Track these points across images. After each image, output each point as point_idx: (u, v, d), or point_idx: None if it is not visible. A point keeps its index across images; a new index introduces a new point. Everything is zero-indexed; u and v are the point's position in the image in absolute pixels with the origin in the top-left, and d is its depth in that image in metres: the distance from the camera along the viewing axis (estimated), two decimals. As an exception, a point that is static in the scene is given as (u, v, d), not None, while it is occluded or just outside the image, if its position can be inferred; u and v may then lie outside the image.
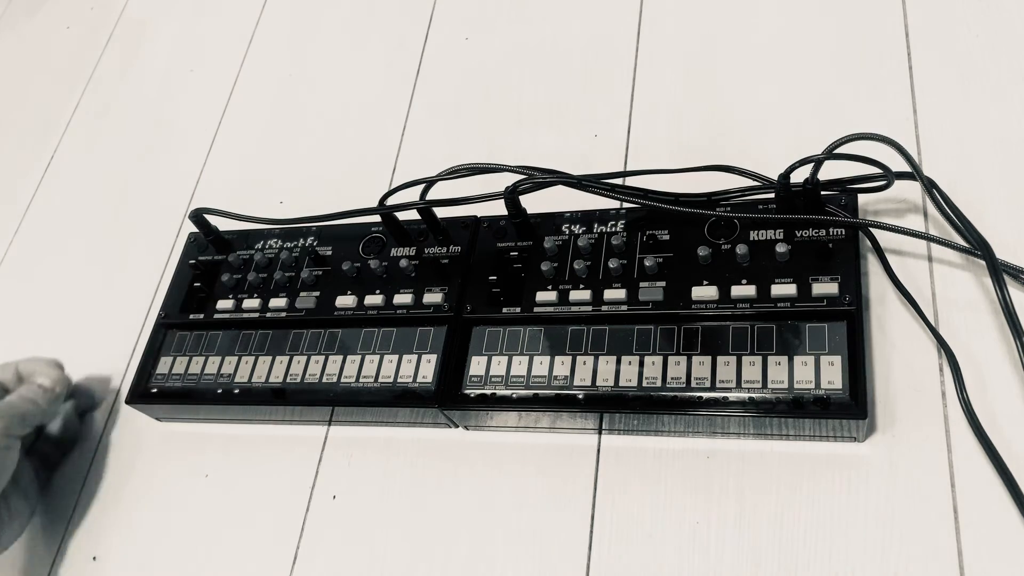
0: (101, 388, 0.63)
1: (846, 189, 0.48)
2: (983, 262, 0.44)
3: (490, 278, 0.53)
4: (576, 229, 0.53)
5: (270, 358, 0.55)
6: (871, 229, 0.49)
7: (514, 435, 0.51)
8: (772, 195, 0.50)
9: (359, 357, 0.53)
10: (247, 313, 0.57)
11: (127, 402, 0.57)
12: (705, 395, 0.45)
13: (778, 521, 0.44)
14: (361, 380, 0.52)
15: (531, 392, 0.49)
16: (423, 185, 0.54)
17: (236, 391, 0.55)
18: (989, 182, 0.50)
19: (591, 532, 0.47)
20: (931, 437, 0.44)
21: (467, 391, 0.50)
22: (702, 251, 0.48)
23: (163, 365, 0.58)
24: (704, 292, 0.47)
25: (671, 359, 0.47)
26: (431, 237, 0.56)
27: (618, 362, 0.48)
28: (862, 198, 0.49)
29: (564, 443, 0.50)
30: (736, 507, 0.45)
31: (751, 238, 0.49)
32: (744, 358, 0.46)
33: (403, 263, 0.54)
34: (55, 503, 0.59)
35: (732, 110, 0.59)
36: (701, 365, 0.46)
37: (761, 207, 0.49)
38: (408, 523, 0.50)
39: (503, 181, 0.52)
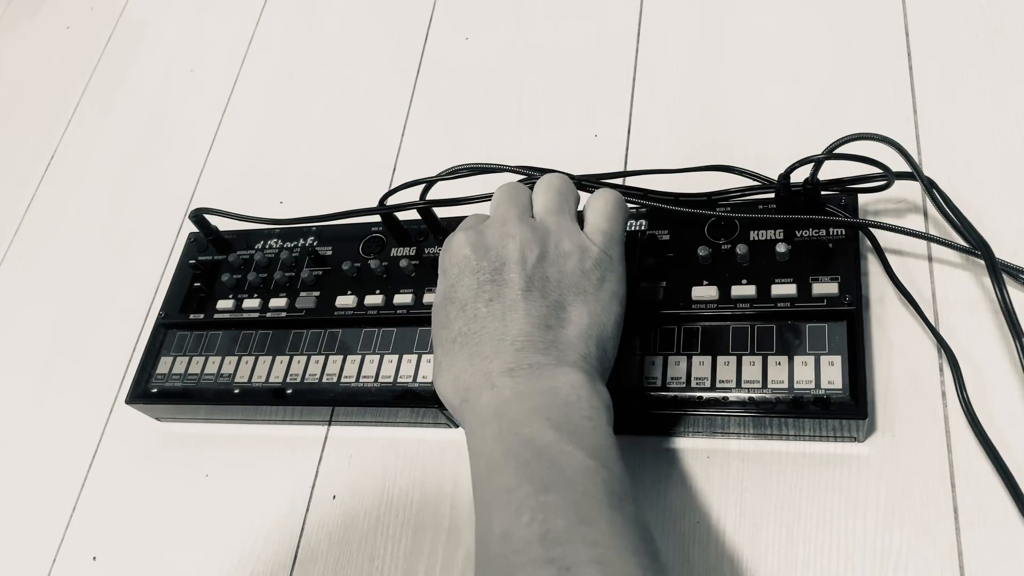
0: None
1: (846, 189, 0.48)
2: (983, 262, 0.44)
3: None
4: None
5: (270, 358, 0.55)
6: (871, 229, 0.49)
7: (514, 435, 0.51)
8: (772, 195, 0.50)
9: (359, 357, 0.53)
10: (247, 313, 0.57)
11: (127, 402, 0.57)
12: (705, 395, 0.45)
13: (778, 521, 0.44)
14: (361, 380, 0.52)
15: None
16: (423, 185, 0.54)
17: (236, 391, 0.55)
18: (989, 182, 0.50)
19: (591, 532, 0.47)
20: (931, 437, 0.44)
21: (467, 391, 0.50)
22: (702, 251, 0.48)
23: (163, 365, 0.58)
24: (704, 292, 0.47)
25: (671, 359, 0.47)
26: (431, 237, 0.56)
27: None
28: (862, 198, 0.49)
29: (564, 443, 0.50)
30: (736, 507, 0.45)
31: (751, 238, 0.49)
32: (744, 358, 0.46)
33: (403, 263, 0.54)
34: (56, 503, 0.59)
35: (732, 110, 0.59)
36: (701, 365, 0.46)
37: (761, 207, 0.49)
38: (408, 523, 0.50)
39: (503, 181, 0.52)
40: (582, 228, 0.45)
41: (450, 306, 0.43)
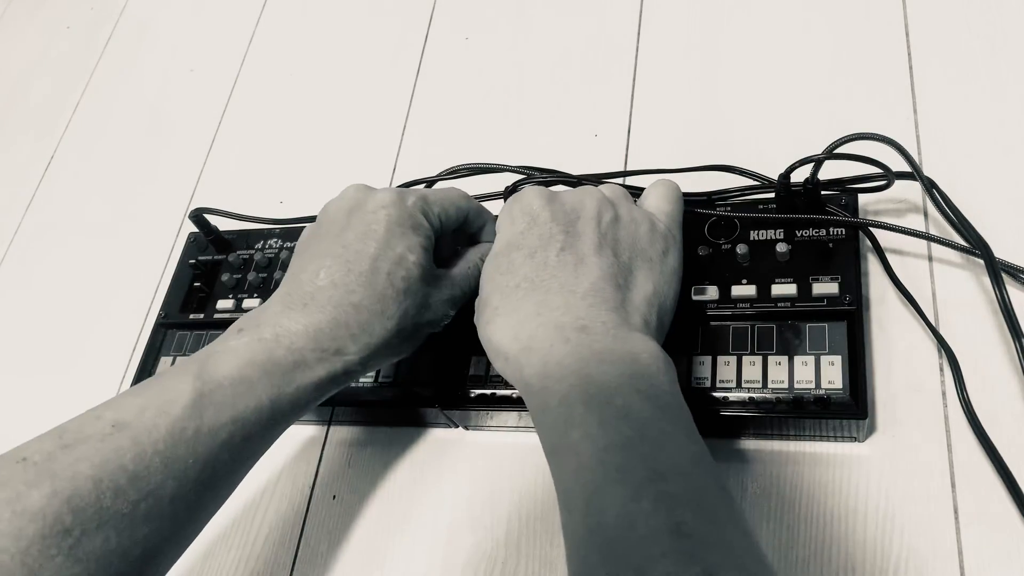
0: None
1: (846, 189, 0.48)
2: (983, 262, 0.44)
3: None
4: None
5: (270, 358, 0.55)
6: (871, 229, 0.49)
7: (514, 435, 0.51)
8: (772, 195, 0.50)
9: (359, 357, 0.53)
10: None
11: (127, 402, 0.57)
12: (705, 395, 0.45)
13: (778, 521, 0.44)
14: (361, 380, 0.52)
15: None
16: (423, 185, 0.54)
17: (236, 391, 0.55)
18: (989, 182, 0.50)
19: (591, 532, 0.47)
20: (931, 437, 0.44)
21: (467, 391, 0.50)
22: (702, 251, 0.48)
23: (163, 365, 0.58)
24: (704, 292, 0.47)
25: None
26: (431, 237, 0.55)
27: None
28: (862, 198, 0.49)
29: (564, 443, 0.50)
30: (736, 507, 0.45)
31: (751, 238, 0.49)
32: (744, 358, 0.46)
33: (403, 263, 0.54)
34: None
35: (732, 110, 0.59)
36: (701, 365, 0.46)
37: (761, 207, 0.49)
38: (408, 523, 0.50)
39: (503, 181, 0.52)
40: None
41: (515, 252, 0.42)
